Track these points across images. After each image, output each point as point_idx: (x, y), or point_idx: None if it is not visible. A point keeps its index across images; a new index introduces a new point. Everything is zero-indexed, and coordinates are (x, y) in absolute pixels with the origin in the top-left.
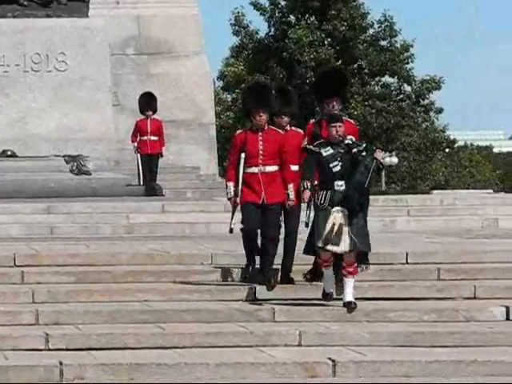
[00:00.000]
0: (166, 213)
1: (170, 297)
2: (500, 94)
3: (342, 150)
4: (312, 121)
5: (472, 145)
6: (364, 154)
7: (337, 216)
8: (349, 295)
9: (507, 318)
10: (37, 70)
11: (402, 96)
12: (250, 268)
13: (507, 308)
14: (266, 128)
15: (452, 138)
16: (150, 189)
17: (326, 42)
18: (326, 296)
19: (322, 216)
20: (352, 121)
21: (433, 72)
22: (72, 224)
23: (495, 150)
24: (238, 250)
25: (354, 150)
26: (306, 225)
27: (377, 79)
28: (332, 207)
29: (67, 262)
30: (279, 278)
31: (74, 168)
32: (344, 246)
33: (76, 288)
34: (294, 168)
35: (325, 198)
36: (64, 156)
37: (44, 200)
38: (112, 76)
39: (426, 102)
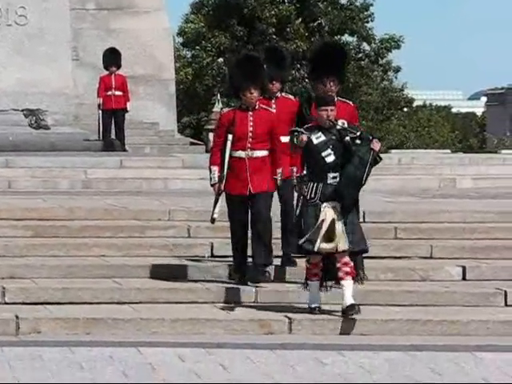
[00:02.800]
0: (124, 168)
1: (126, 252)
2: (460, 54)
3: (334, 137)
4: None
5: (431, 105)
6: (358, 142)
7: (328, 212)
8: (349, 298)
9: (463, 278)
10: None
11: (361, 55)
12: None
13: (463, 268)
14: (257, 107)
15: (410, 97)
16: (109, 144)
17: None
18: (313, 310)
19: (311, 212)
20: (350, 102)
21: (394, 31)
22: (30, 178)
23: (454, 110)
24: (195, 207)
25: (347, 138)
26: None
27: (337, 38)
28: (322, 202)
29: (25, 216)
30: (281, 263)
31: (33, 122)
32: (340, 244)
33: (33, 242)
34: (285, 140)
35: (315, 191)
36: (23, 110)
37: (2, 154)
38: (72, 31)
39: (385, 60)
